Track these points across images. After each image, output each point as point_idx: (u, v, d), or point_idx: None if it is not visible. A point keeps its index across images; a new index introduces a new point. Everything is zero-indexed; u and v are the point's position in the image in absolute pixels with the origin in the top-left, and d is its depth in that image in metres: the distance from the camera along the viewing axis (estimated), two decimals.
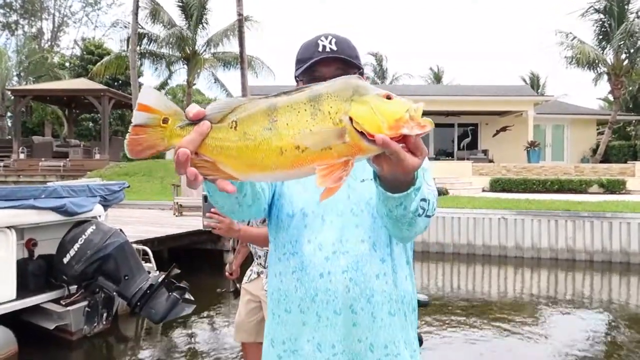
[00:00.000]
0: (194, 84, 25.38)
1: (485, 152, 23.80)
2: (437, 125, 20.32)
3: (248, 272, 3.29)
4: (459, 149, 24.80)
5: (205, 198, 2.53)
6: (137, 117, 0.89)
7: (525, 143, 21.89)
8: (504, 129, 24.91)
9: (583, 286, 9.31)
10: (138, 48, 22.52)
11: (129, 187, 7.50)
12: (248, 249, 3.45)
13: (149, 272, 6.14)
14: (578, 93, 69.80)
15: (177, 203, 12.23)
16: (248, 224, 2.90)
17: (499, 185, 17.81)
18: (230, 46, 25.14)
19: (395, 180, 1.03)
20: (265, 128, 0.87)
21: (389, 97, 0.89)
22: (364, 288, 1.37)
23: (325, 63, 1.43)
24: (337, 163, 0.88)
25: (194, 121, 0.88)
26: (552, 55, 76.25)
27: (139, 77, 24.17)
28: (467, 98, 22.66)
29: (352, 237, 1.39)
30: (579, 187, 17.11)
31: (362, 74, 1.48)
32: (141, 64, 25.16)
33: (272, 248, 1.52)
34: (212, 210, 2.51)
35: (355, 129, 0.87)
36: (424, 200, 1.13)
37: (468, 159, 22.20)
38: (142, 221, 11.00)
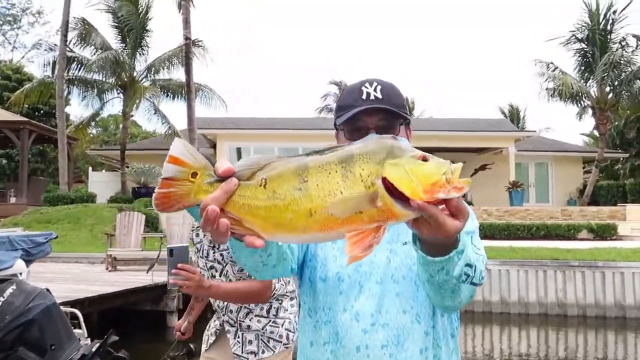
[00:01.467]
0: (132, 115, 25.23)
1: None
2: None
3: (205, 336, 3.22)
4: None
5: (171, 252, 2.52)
6: (167, 169, 0.98)
7: (507, 183, 22.54)
8: (482, 167, 25.60)
9: (576, 344, 9.53)
10: (66, 74, 22.33)
11: (56, 238, 7.34)
12: (204, 305, 3.41)
13: (79, 340, 5.95)
14: (561, 127, 73.03)
15: (110, 255, 11.96)
16: (220, 274, 2.86)
17: (480, 232, 18.19)
18: (176, 73, 25.26)
19: (435, 243, 1.08)
20: (295, 188, 0.95)
21: (424, 159, 0.97)
22: None
23: (369, 113, 1.50)
24: (368, 229, 0.95)
25: (223, 177, 0.96)
26: (532, 86, 79.78)
27: (65, 106, 23.84)
28: (441, 133, 23.31)
29: (393, 307, 1.42)
30: (567, 232, 17.67)
31: (408, 124, 1.58)
32: (69, 92, 24.86)
33: (302, 313, 1.57)
34: (179, 265, 2.50)
35: (389, 193, 0.94)
36: (468, 265, 1.18)
37: None
38: (68, 278, 10.67)
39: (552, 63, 24.72)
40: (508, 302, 11.35)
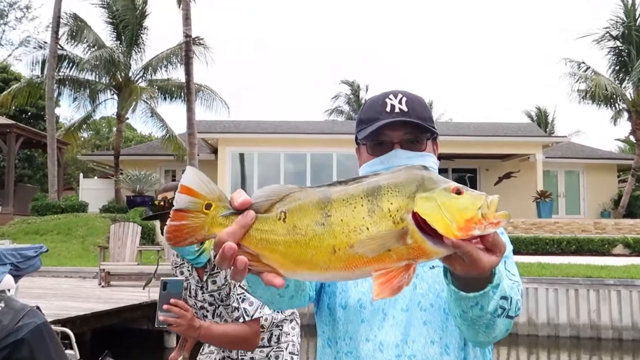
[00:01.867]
0: (127, 118, 25.43)
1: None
2: None
3: None
4: None
5: (164, 285, 2.49)
6: (179, 200, 0.98)
7: (534, 193, 22.48)
8: (507, 175, 25.57)
9: None
10: (56, 73, 22.55)
11: (46, 251, 7.40)
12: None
13: None
14: (594, 132, 72.74)
15: (103, 270, 12.04)
16: (213, 315, 2.87)
17: None
18: (174, 72, 25.45)
19: (469, 277, 1.08)
20: (318, 223, 0.96)
21: (458, 192, 0.97)
22: None
23: (394, 127, 1.50)
24: (397, 268, 0.95)
25: (239, 210, 0.97)
26: (562, 87, 79.56)
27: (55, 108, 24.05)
28: (462, 139, 23.29)
29: (420, 337, 1.42)
30: (601, 247, 17.59)
31: (435, 138, 1.59)
32: (59, 93, 25.10)
33: (321, 343, 1.57)
34: (173, 301, 2.47)
35: (419, 229, 0.95)
36: (504, 298, 1.18)
37: None
38: (58, 294, 10.75)
39: (583, 62, 24.72)
40: (536, 324, 11.29)
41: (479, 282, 1.11)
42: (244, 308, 2.67)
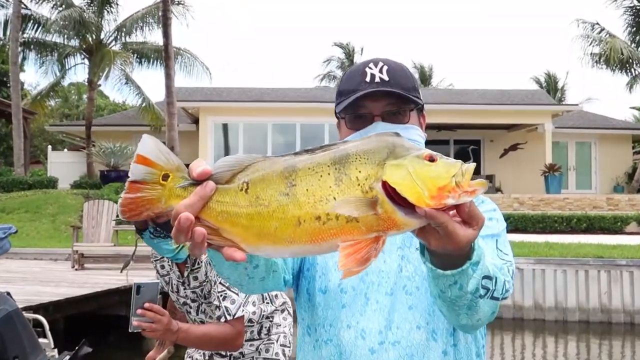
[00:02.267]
0: (99, 85, 25.25)
1: (490, 178, 24.36)
2: (426, 142, 20.67)
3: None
4: None
5: (138, 288, 2.51)
6: (134, 171, 1.00)
7: (543, 166, 22.57)
8: (513, 147, 25.63)
9: (622, 356, 9.64)
10: (20, 35, 22.30)
11: (16, 232, 7.41)
12: None
13: (45, 351, 6.06)
14: (607, 100, 72.85)
15: (76, 252, 12.05)
16: (197, 311, 2.90)
17: (510, 224, 18.24)
18: (151, 35, 25.26)
19: (446, 254, 1.09)
20: (282, 193, 0.98)
21: (432, 159, 0.99)
22: None
23: (374, 97, 1.51)
24: (365, 239, 0.97)
25: (198, 181, 0.99)
26: (574, 51, 79.37)
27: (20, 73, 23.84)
28: (465, 107, 23.33)
29: (405, 322, 1.43)
30: (614, 225, 17.73)
31: (421, 109, 1.60)
32: (24, 57, 24.85)
33: (300, 331, 1.59)
34: (147, 305, 2.49)
35: (389, 198, 0.96)
36: (487, 277, 1.19)
37: None
38: (28, 278, 10.76)
39: (597, 24, 24.69)
40: (543, 308, 11.44)
41: (457, 259, 1.11)
42: (225, 306, 2.69)
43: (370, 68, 1.52)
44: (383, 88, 1.49)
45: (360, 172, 0.97)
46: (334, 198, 0.96)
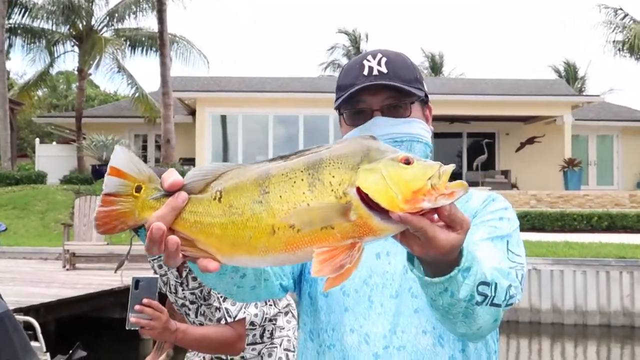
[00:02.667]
0: (89, 74, 25.30)
1: (505, 173, 24.37)
2: (438, 135, 20.75)
3: None
4: (469, 169, 25.30)
5: (136, 283, 2.53)
6: (108, 183, 1.05)
7: (561, 161, 22.57)
8: (530, 140, 25.60)
9: None
10: (6, 21, 22.35)
11: (5, 230, 7.50)
12: None
13: (37, 354, 6.12)
14: (631, 90, 72.54)
15: (67, 251, 12.10)
16: (197, 314, 2.94)
17: (527, 222, 18.23)
18: (145, 21, 25.29)
19: (433, 261, 1.10)
20: (255, 201, 1.01)
21: (407, 162, 1.01)
22: None
23: (373, 91, 1.53)
24: (340, 246, 1.00)
25: (169, 192, 1.04)
26: (595, 39, 79.07)
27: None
28: (479, 98, 23.28)
29: (410, 326, 1.46)
30: (637, 223, 17.69)
31: (424, 102, 1.62)
32: (10, 45, 24.91)
33: (303, 337, 1.63)
34: (146, 301, 2.50)
35: (365, 204, 0.99)
36: (484, 283, 1.20)
37: (482, 183, 22.59)
38: (17, 278, 10.82)
39: (621, 9, 24.66)
40: (561, 311, 11.45)
41: (445, 266, 1.12)
42: (225, 308, 2.71)
43: (369, 60, 1.54)
44: (381, 81, 1.51)
45: (333, 177, 1.00)
46: (308, 204, 0.99)
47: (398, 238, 1.04)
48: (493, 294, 1.22)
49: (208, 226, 1.02)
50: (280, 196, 1.00)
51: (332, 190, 0.99)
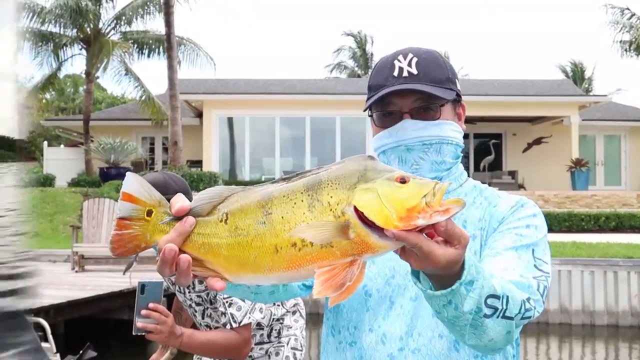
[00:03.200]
0: (97, 77, 25.39)
1: (512, 174, 24.34)
2: None
3: None
4: (476, 169, 25.29)
5: (142, 288, 2.55)
6: (121, 208, 1.11)
7: (569, 161, 22.55)
8: (537, 141, 25.57)
9: None
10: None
11: None
12: None
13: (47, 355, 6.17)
14: (638, 91, 72.30)
15: (76, 253, 12.16)
16: (203, 315, 2.94)
17: None
18: (152, 23, 25.39)
19: (435, 274, 1.13)
20: (259, 222, 1.07)
21: (403, 181, 1.06)
22: None
23: (402, 94, 1.52)
24: (341, 264, 1.05)
25: (177, 217, 1.09)
26: (602, 38, 78.85)
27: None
28: (485, 98, 23.21)
29: (427, 329, 1.47)
30: None
31: (457, 101, 1.61)
32: (18, 48, 25.02)
33: (325, 331, 1.67)
34: (152, 305, 2.52)
35: (362, 222, 1.04)
36: (494, 296, 1.21)
37: (490, 184, 22.50)
38: None
39: (627, 9, 24.58)
40: (569, 311, 11.45)
41: (447, 279, 1.14)
42: (231, 313, 2.74)
43: (399, 61, 1.53)
44: (410, 84, 1.50)
45: (332, 197, 1.05)
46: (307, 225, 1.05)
47: (398, 253, 1.08)
48: (504, 307, 1.23)
49: (216, 247, 1.08)
50: (282, 217, 1.05)
51: (331, 209, 1.04)
